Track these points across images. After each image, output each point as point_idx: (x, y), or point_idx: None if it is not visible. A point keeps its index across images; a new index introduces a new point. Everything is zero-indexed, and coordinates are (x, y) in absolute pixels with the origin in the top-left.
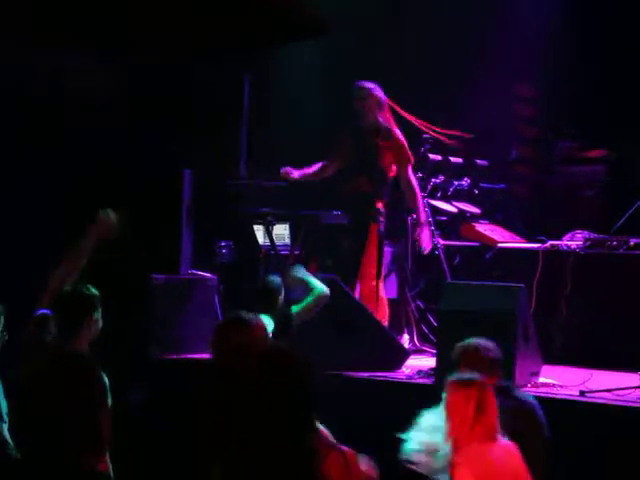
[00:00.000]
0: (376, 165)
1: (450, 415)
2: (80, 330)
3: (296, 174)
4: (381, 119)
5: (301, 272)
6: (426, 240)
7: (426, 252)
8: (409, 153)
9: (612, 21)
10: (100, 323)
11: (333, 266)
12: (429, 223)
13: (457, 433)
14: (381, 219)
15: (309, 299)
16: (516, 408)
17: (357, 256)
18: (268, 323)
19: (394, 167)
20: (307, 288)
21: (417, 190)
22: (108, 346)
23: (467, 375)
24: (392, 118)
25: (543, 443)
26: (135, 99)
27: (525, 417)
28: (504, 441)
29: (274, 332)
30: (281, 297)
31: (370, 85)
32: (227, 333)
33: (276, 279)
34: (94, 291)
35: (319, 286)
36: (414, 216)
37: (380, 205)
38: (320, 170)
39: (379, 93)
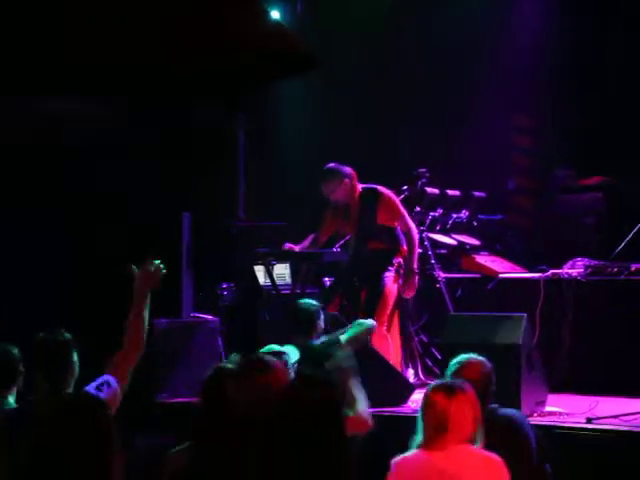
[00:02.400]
0: (378, 229)
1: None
2: (65, 375)
3: (297, 248)
4: (351, 195)
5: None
6: (414, 288)
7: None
8: (394, 201)
9: (609, 50)
10: (77, 365)
11: (350, 308)
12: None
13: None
14: (401, 271)
15: (357, 328)
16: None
17: (374, 303)
18: (293, 354)
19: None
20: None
21: (415, 239)
22: None
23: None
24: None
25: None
26: (131, 143)
27: (513, 433)
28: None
29: (303, 361)
30: (320, 322)
31: (335, 169)
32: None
33: (313, 303)
34: (67, 335)
35: (365, 321)
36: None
37: (399, 259)
38: (314, 242)
39: (339, 175)
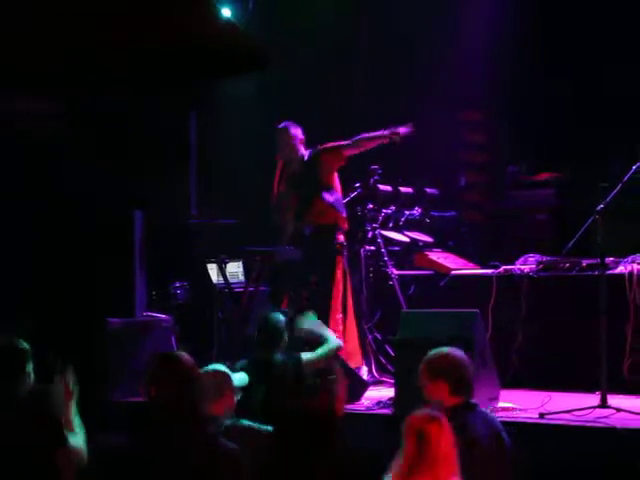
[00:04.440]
0: (324, 188)
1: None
2: (16, 384)
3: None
4: (303, 151)
5: (312, 323)
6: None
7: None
8: (326, 144)
9: (559, 46)
10: (32, 376)
11: (299, 300)
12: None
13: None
14: (344, 252)
15: (323, 350)
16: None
17: (328, 290)
18: (242, 378)
19: (336, 178)
20: (319, 340)
21: (361, 135)
22: None
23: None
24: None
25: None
26: (82, 141)
27: (494, 437)
28: None
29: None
30: (285, 337)
31: (284, 125)
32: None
33: (281, 318)
34: (25, 345)
35: (332, 338)
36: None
37: (342, 237)
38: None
39: (294, 130)
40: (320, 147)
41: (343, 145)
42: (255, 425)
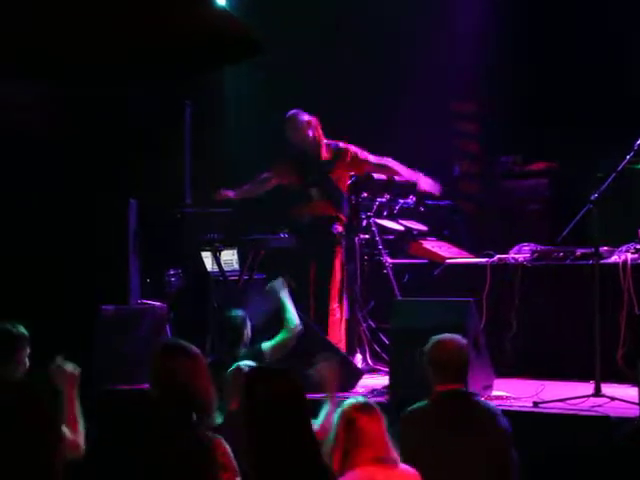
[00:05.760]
0: (335, 187)
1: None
2: (7, 367)
3: (231, 193)
4: (315, 140)
5: (281, 290)
6: (431, 184)
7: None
8: (356, 152)
9: (547, 38)
10: (27, 362)
11: (299, 289)
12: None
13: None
14: (343, 242)
15: (283, 336)
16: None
17: (327, 279)
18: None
19: (347, 178)
20: (280, 311)
21: (390, 162)
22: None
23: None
24: (321, 132)
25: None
26: (76, 131)
27: (490, 424)
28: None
29: None
30: (247, 331)
31: (295, 114)
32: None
33: (240, 314)
34: (23, 330)
35: (293, 319)
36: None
37: (340, 228)
38: (259, 183)
39: (304, 117)
40: (344, 147)
41: (370, 162)
42: None
